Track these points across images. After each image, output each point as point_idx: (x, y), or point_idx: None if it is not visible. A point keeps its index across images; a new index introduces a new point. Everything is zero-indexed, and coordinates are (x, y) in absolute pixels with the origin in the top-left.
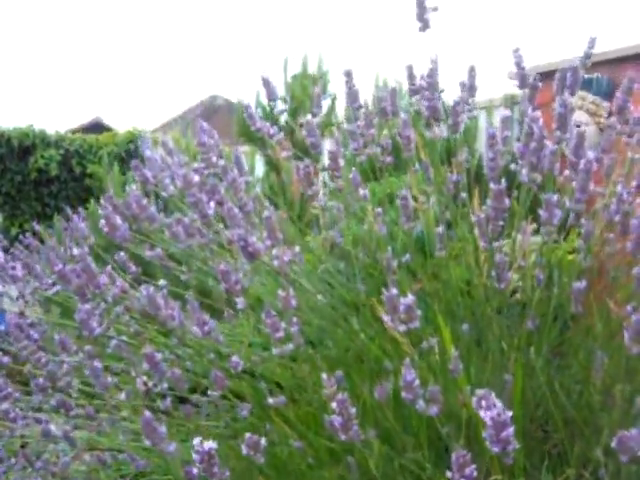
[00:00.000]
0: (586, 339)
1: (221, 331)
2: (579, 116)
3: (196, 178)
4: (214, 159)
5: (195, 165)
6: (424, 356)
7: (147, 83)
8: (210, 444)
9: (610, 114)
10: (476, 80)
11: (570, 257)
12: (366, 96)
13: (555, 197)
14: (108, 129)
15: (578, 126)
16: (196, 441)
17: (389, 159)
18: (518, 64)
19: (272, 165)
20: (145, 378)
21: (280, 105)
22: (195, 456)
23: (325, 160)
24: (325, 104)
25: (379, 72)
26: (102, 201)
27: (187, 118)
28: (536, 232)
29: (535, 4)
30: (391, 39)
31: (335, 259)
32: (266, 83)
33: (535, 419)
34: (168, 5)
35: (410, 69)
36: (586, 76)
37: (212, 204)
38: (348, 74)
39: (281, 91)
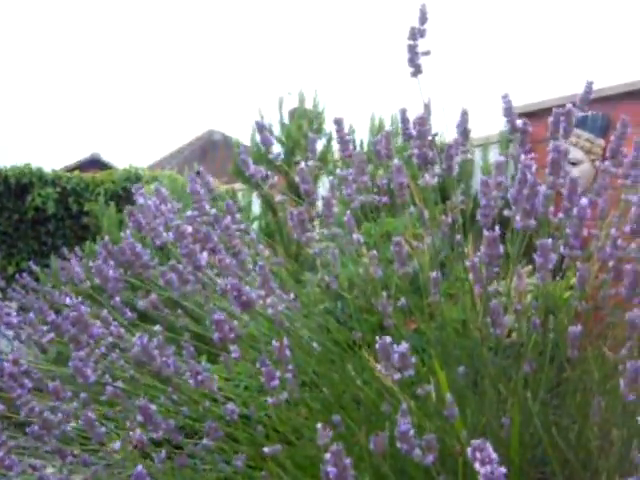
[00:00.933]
0: (582, 381)
1: (217, 374)
2: (574, 153)
3: (189, 229)
4: (207, 207)
5: (188, 213)
6: (420, 400)
7: (145, 117)
8: None
9: (605, 153)
10: (469, 123)
11: (567, 294)
12: (364, 134)
13: (550, 241)
14: (106, 164)
15: (573, 163)
16: None
17: (385, 199)
18: (507, 110)
19: (268, 204)
20: (139, 431)
21: (275, 149)
22: None
23: (320, 204)
24: (321, 143)
25: (375, 111)
26: (97, 247)
27: (185, 153)
28: (532, 274)
29: (536, 39)
30: (388, 77)
31: (331, 299)
32: (260, 128)
33: (533, 461)
34: (166, 39)
35: (403, 113)
36: (581, 114)
37: (205, 254)
38: (338, 122)
39: (277, 130)
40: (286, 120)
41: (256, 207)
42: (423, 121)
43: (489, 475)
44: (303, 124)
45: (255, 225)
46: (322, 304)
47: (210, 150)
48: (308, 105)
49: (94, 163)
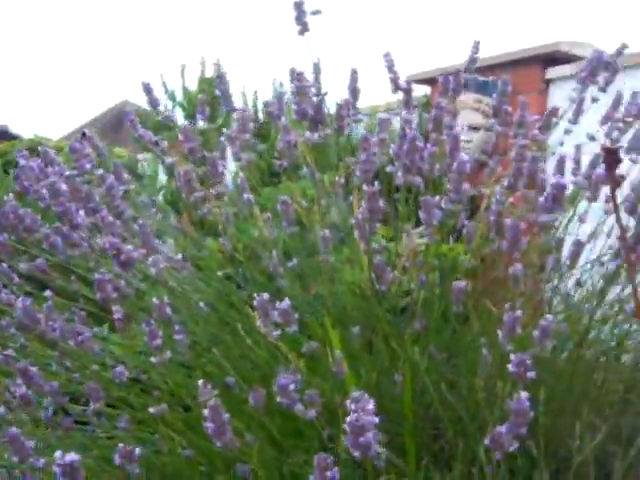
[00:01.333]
0: (473, 340)
1: (114, 341)
2: (475, 119)
3: (63, 187)
4: (87, 166)
5: (67, 172)
6: (312, 359)
7: (59, 89)
8: (72, 456)
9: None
10: (358, 83)
11: (462, 257)
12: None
13: (435, 199)
14: (15, 136)
15: (475, 128)
16: (57, 454)
17: (284, 163)
18: (389, 68)
19: (171, 172)
20: (24, 388)
21: (166, 111)
22: (56, 469)
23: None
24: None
25: (276, 76)
26: None
27: (98, 124)
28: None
29: (451, 7)
30: (289, 39)
31: (232, 265)
32: (147, 90)
33: (427, 417)
34: (82, 9)
35: (292, 72)
36: (482, 79)
37: (82, 213)
38: (221, 77)
39: (179, 96)
40: (190, 86)
41: (164, 176)
42: (301, 77)
43: (353, 422)
44: (205, 89)
45: (161, 194)
46: (223, 270)
47: (124, 121)
48: (211, 73)
49: (3, 135)
